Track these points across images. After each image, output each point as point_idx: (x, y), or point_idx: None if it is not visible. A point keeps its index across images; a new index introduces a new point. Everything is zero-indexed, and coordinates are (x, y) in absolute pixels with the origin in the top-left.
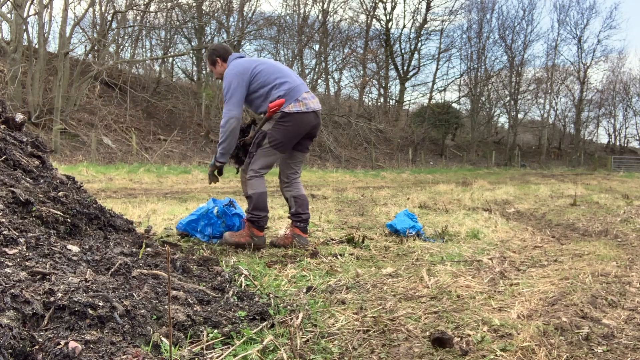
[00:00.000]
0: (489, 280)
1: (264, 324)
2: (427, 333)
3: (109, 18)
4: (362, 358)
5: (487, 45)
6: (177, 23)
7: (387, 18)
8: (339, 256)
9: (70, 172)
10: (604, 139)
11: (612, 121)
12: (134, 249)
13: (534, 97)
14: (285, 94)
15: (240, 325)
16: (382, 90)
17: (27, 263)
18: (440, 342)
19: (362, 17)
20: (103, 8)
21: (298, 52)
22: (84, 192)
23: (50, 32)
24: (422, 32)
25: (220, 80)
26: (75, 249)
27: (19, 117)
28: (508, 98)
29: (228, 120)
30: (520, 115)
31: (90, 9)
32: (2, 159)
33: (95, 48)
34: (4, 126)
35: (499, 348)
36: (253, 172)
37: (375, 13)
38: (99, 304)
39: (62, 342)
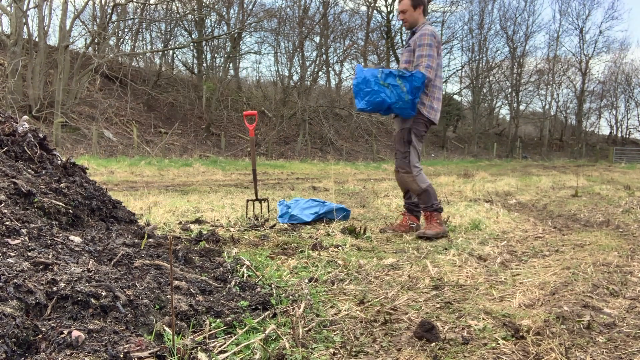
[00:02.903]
0: (491, 270)
1: (266, 313)
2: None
3: (109, 10)
4: (364, 347)
5: (489, 37)
6: (178, 15)
7: (388, 9)
8: (340, 247)
9: None
10: (605, 131)
11: (614, 112)
12: (136, 240)
13: (536, 88)
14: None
15: (243, 315)
16: None
17: (29, 253)
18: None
19: (363, 9)
20: (103, 0)
21: (299, 44)
22: (94, 183)
23: (50, 25)
24: None
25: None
26: (77, 239)
27: (24, 126)
28: (509, 89)
29: (430, 73)
30: (521, 107)
31: (90, 2)
32: (4, 150)
33: (96, 41)
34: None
35: (500, 337)
36: (416, 167)
37: (376, 4)
38: (102, 293)
39: (65, 332)
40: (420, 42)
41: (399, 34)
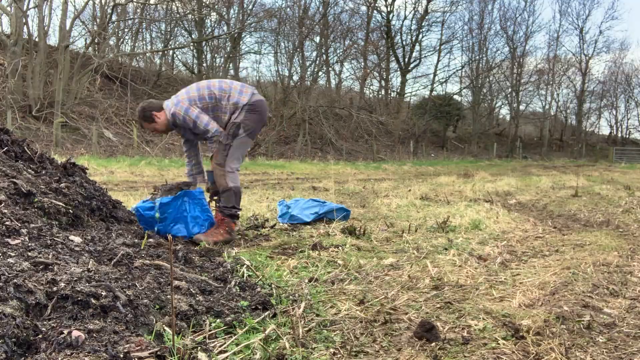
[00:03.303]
0: (491, 270)
1: (266, 313)
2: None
3: (109, 11)
4: (364, 347)
5: (489, 37)
6: (178, 15)
7: (388, 9)
8: (340, 247)
9: None
10: (605, 131)
11: (614, 112)
12: (136, 240)
13: (536, 88)
14: (242, 93)
15: (243, 315)
16: (383, 82)
17: (29, 253)
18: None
19: (363, 9)
20: (103, 0)
21: (299, 44)
22: (94, 183)
23: (50, 25)
24: (423, 24)
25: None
26: (77, 239)
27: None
28: (509, 89)
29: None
30: (521, 107)
31: (90, 2)
32: (4, 150)
33: (96, 41)
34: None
35: (500, 337)
36: (231, 164)
37: (376, 4)
38: (102, 293)
39: (65, 331)
40: (186, 123)
41: (399, 34)
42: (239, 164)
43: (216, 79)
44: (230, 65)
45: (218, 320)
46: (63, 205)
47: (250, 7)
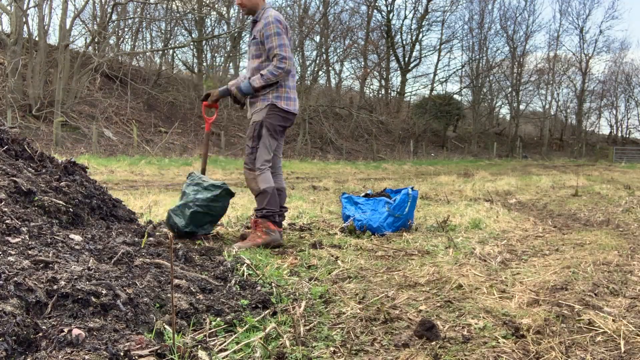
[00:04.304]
0: (491, 269)
1: (267, 312)
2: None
3: (109, 10)
4: (364, 345)
5: (489, 36)
6: (178, 15)
7: (389, 9)
8: (340, 246)
9: None
10: (605, 130)
11: (614, 112)
12: (136, 239)
13: (536, 88)
14: (290, 87)
15: (243, 314)
16: (383, 82)
17: (30, 252)
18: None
19: (363, 8)
20: (103, 0)
21: (299, 43)
22: (94, 182)
23: (50, 24)
24: (423, 23)
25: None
26: (77, 238)
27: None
28: (510, 89)
29: (284, 67)
30: (521, 107)
31: (90, 1)
32: (4, 149)
33: (96, 40)
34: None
35: (500, 336)
36: (260, 166)
37: (377, 4)
38: (102, 292)
39: (66, 330)
40: (267, 32)
41: (399, 33)
42: (269, 162)
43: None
44: (231, 64)
45: (218, 319)
46: (63, 203)
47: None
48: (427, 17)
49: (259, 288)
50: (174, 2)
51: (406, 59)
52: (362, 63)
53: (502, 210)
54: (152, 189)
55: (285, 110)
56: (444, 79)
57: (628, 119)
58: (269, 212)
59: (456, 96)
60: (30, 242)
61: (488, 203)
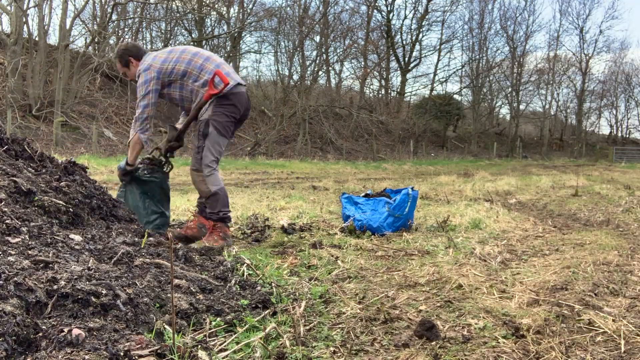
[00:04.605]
0: (491, 269)
1: (267, 312)
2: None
3: (109, 10)
4: (364, 345)
5: (489, 36)
6: (178, 14)
7: (388, 9)
8: (340, 246)
9: None
10: (605, 130)
11: (614, 112)
12: (136, 239)
13: (536, 88)
14: (214, 74)
15: (243, 314)
16: (383, 82)
17: (30, 252)
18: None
19: (363, 8)
20: (103, 0)
21: (299, 43)
22: (94, 182)
23: (50, 24)
24: (423, 23)
25: None
26: (77, 238)
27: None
28: (510, 89)
29: (139, 118)
30: (521, 107)
31: (90, 1)
32: (4, 149)
33: (96, 40)
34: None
35: (500, 336)
36: (208, 166)
37: (377, 4)
38: (102, 292)
39: (66, 330)
40: (138, 85)
41: (399, 33)
42: (217, 162)
43: (192, 48)
44: (231, 64)
45: (218, 319)
46: (63, 203)
47: (250, 6)
48: (427, 17)
49: (259, 288)
50: (174, 2)
51: (406, 59)
52: (362, 63)
53: (502, 210)
54: None
55: (227, 95)
56: (444, 79)
57: (628, 119)
58: (224, 214)
59: (456, 96)
60: (30, 242)
61: (488, 203)
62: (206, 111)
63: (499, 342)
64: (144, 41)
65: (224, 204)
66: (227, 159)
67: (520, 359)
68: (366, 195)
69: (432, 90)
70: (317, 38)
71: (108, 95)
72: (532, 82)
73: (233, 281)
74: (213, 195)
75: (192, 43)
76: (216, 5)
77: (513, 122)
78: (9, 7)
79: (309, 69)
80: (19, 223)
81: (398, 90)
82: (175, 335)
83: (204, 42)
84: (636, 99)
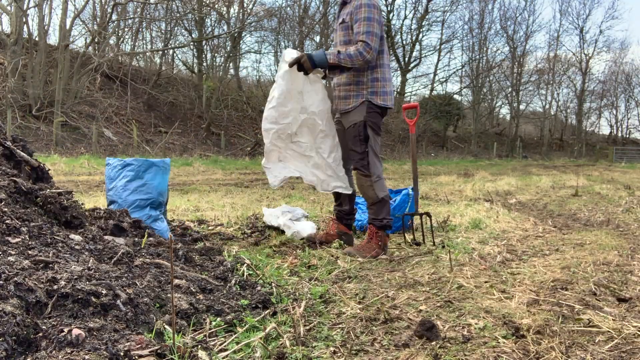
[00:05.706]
0: (491, 269)
1: (267, 312)
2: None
3: (109, 10)
4: (364, 345)
5: (489, 36)
6: (178, 15)
7: (388, 9)
8: (341, 246)
9: (71, 164)
10: (605, 130)
11: (614, 112)
12: (136, 239)
13: (536, 88)
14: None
15: (243, 314)
16: None
17: (29, 252)
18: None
19: None
20: (103, 0)
21: (299, 43)
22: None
23: (50, 24)
24: (423, 23)
25: None
26: (77, 238)
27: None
28: (510, 89)
29: (365, 56)
30: (521, 107)
31: (91, 1)
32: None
33: (96, 40)
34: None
35: (500, 336)
36: (376, 171)
37: None
38: (102, 292)
39: (66, 330)
40: (357, 15)
41: (399, 33)
42: (382, 168)
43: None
44: (231, 64)
45: (218, 319)
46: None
47: (250, 6)
48: (427, 17)
49: (259, 288)
50: (174, 2)
51: (406, 59)
52: None
53: (502, 210)
54: None
55: (382, 107)
56: (444, 79)
57: (628, 119)
58: (388, 221)
59: (456, 96)
60: (30, 242)
61: (488, 203)
62: (357, 111)
63: (499, 342)
64: (144, 41)
65: (388, 211)
66: (227, 159)
67: (520, 359)
68: None
69: (432, 90)
70: (317, 38)
71: (108, 95)
72: (532, 82)
73: (233, 281)
74: (380, 201)
75: (192, 43)
76: (216, 5)
77: (513, 122)
78: (9, 7)
79: None
80: (19, 223)
81: (398, 90)
82: (175, 335)
83: (204, 42)
84: (636, 99)
